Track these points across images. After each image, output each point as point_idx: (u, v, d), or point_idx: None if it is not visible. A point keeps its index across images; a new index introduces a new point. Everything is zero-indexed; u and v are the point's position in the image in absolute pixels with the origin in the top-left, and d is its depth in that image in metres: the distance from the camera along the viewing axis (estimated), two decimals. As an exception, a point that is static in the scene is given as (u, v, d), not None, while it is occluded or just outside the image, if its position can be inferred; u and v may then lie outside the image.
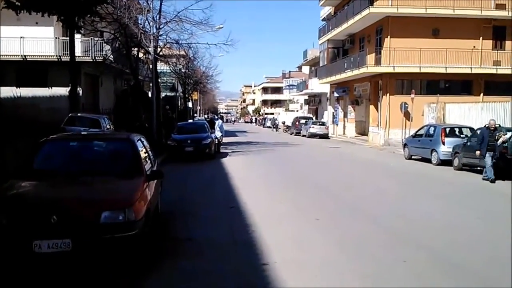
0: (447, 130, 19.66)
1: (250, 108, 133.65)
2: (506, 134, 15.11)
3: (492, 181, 14.23)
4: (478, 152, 14.77)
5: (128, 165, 6.81)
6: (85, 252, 5.28)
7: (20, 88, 26.50)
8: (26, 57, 26.41)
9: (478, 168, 16.32)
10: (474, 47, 30.21)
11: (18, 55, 26.21)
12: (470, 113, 23.81)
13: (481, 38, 30.62)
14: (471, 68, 29.88)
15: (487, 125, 15.30)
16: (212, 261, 6.33)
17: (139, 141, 7.64)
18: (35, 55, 26.42)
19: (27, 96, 26.14)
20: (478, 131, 15.99)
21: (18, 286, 5.39)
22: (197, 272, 5.87)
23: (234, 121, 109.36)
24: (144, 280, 5.57)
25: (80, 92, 24.24)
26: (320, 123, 41.95)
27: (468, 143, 16.93)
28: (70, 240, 5.15)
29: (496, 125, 15.29)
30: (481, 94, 30.19)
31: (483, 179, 14.61)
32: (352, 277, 5.77)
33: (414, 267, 6.15)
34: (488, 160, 14.42)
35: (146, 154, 7.71)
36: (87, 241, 5.23)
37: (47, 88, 27.15)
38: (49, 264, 5.41)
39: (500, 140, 14.55)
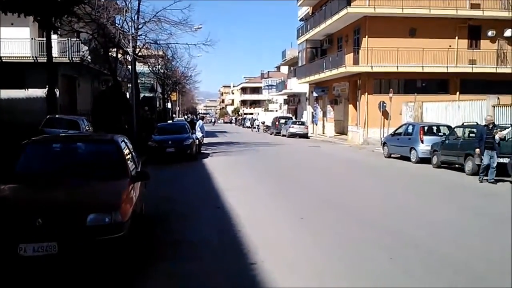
0: (426, 128, 19.98)
1: (229, 109, 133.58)
2: (504, 130, 14.91)
3: (493, 183, 13.67)
4: (477, 150, 14.13)
5: (113, 167, 6.73)
6: (72, 255, 5.19)
7: (-4, 90, 25.97)
8: (2, 58, 25.87)
9: (457, 165, 16.62)
10: (450, 46, 30.70)
11: (-6, 57, 25.68)
12: (447, 111, 24.19)
13: (456, 37, 31.11)
14: (447, 67, 30.34)
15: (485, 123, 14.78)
16: (200, 261, 6.30)
17: (123, 142, 7.55)
18: (10, 56, 25.90)
19: (3, 98, 25.62)
20: (475, 129, 15.86)
21: (3, 291, 5.30)
22: (185, 273, 5.85)
23: (214, 122, 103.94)
24: (132, 282, 5.53)
25: (58, 93, 23.88)
26: (300, 122, 42.18)
27: (447, 141, 17.22)
28: (56, 243, 5.05)
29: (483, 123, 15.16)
30: (458, 93, 30.63)
31: (481, 181, 13.91)
32: (341, 275, 5.80)
33: (402, 265, 6.21)
34: (486, 159, 13.79)
35: (130, 155, 7.63)
36: (74, 244, 5.14)
37: (24, 90, 26.64)
38: (35, 267, 5.31)
39: (497, 137, 14.06)
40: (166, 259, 6.39)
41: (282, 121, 45.06)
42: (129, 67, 28.54)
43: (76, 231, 5.18)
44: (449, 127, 19.48)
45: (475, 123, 17.23)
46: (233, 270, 5.97)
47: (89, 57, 28.82)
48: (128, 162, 7.10)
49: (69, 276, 5.53)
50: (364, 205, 10.49)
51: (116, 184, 6.18)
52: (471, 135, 16.44)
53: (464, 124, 17.61)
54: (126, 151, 7.41)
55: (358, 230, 8.02)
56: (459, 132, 17.28)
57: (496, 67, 30.30)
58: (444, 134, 18.88)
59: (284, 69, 62.97)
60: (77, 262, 5.39)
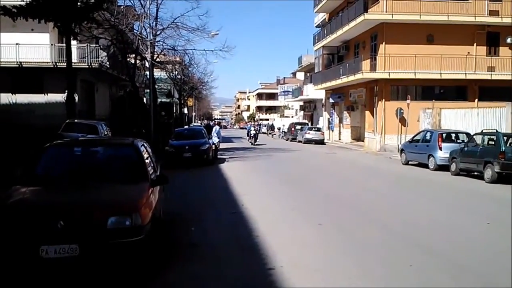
0: (444, 135, 19.76)
1: (245, 114, 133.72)
2: None
3: None
4: None
5: (133, 170, 6.78)
6: (92, 257, 5.25)
7: (16, 94, 26.36)
8: (22, 63, 26.33)
9: (475, 173, 16.42)
10: (469, 53, 30.37)
11: (14, 62, 26.12)
12: (466, 118, 23.95)
13: (475, 44, 30.77)
14: (465, 74, 30.02)
15: None
16: (218, 266, 6.31)
17: (143, 146, 7.61)
18: (30, 62, 26.36)
19: (23, 102, 26.02)
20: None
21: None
22: (203, 278, 5.85)
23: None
24: (151, 285, 5.55)
25: (76, 98, 24.18)
26: (316, 129, 42.12)
27: (465, 148, 17.01)
28: (77, 245, 5.11)
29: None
30: (476, 100, 30.28)
31: None
32: (359, 281, 5.76)
33: (420, 271, 6.15)
34: None
35: (149, 160, 7.68)
36: (94, 246, 5.20)
37: (43, 95, 27.05)
38: (56, 269, 5.37)
39: None
40: (183, 263, 6.41)
41: (298, 127, 45.06)
42: (147, 72, 28.79)
43: (97, 234, 5.24)
44: (468, 134, 19.25)
45: (495, 131, 17.03)
46: (251, 275, 5.96)
47: (107, 63, 29.17)
48: (148, 166, 7.15)
49: (88, 278, 5.58)
50: (382, 211, 10.40)
51: (136, 188, 6.23)
52: (490, 142, 16.25)
53: (483, 131, 17.39)
54: (146, 155, 7.46)
55: (376, 236, 7.96)
56: (478, 139, 17.06)
57: (515, 74, 29.87)
58: (463, 141, 18.65)
59: (300, 75, 62.93)
60: (97, 264, 5.45)
